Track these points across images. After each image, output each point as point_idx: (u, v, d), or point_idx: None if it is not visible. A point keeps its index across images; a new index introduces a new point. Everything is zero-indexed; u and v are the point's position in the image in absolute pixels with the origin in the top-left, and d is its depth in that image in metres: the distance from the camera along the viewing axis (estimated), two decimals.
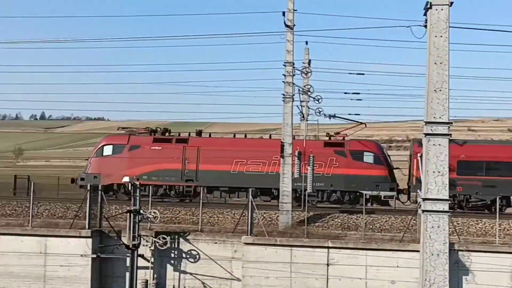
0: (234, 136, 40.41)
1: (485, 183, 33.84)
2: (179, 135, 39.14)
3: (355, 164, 35.50)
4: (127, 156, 37.03)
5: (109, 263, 26.91)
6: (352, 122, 38.84)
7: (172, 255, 26.95)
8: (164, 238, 26.40)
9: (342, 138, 37.53)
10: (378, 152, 36.34)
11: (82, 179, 37.23)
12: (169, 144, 37.42)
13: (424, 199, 23.82)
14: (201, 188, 34.62)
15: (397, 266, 25.42)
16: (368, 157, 35.78)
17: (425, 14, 24.22)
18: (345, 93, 43.91)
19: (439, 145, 23.69)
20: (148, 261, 26.63)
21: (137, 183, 26.69)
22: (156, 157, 36.57)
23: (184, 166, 36.61)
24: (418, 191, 26.99)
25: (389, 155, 38.01)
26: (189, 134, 39.23)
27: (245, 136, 40.76)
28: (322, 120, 39.96)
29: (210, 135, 40.26)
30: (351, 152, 35.90)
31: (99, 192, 27.65)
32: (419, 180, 30.44)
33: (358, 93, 43.90)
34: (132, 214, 25.61)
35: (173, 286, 27.04)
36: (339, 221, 30.26)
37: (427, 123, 23.80)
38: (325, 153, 35.64)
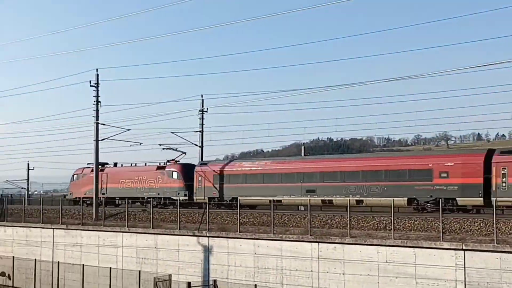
0: (132, 165, 59.52)
1: (221, 189, 48.91)
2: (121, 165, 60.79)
3: (169, 180, 53.20)
4: (80, 181, 61.46)
5: None
6: None
7: None
8: None
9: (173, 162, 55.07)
10: (179, 171, 53.02)
11: (66, 195, 64.91)
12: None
13: None
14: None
15: None
16: (175, 174, 53.02)
17: None
18: None
19: None
20: None
21: None
22: (90, 181, 56.01)
23: (101, 185, 56.39)
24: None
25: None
26: (107, 165, 60.66)
27: (131, 165, 59.75)
28: None
29: (122, 165, 60.72)
30: (167, 171, 53.63)
31: None
32: (196, 189, 49.93)
33: None
34: None
35: None
36: None
37: None
38: (156, 173, 54.35)
